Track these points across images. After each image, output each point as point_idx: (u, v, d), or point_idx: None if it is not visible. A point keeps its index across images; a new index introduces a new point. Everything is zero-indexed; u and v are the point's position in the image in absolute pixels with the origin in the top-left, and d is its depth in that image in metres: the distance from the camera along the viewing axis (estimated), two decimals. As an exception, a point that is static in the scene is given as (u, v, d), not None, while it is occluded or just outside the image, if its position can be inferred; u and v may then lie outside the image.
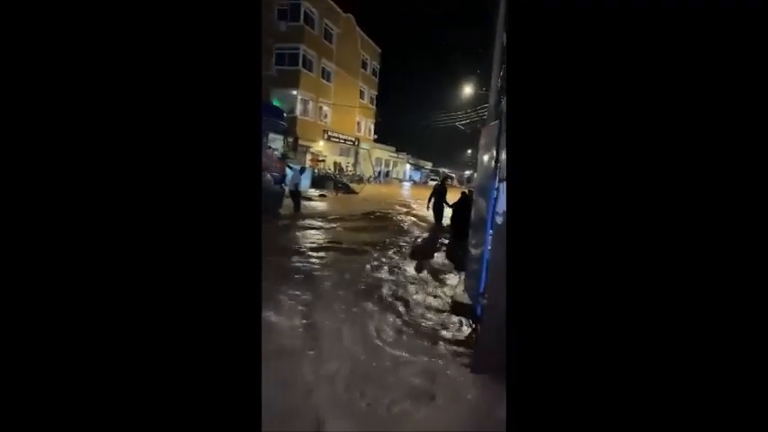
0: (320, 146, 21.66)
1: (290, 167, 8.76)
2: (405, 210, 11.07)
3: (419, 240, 6.62)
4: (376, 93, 28.18)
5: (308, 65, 19.55)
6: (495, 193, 2.30)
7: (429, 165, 40.29)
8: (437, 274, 4.48)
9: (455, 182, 24.11)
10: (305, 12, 18.66)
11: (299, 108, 19.30)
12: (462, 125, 22.93)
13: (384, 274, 4.30)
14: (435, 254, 5.54)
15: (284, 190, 8.28)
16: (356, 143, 25.50)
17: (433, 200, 7.59)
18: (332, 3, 20.70)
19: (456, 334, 2.84)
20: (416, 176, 37.16)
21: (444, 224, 7.35)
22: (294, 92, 19.03)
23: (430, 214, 7.91)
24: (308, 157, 19.38)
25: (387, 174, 31.45)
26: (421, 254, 5.45)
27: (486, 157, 3.01)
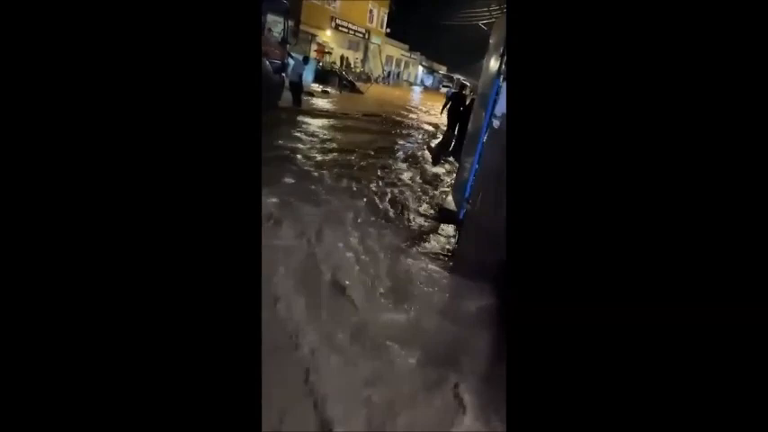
0: (327, 36, 19.80)
1: (292, 56, 8.14)
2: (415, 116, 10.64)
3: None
4: (393, -25, 24.70)
5: (317, -69, 16.75)
6: (496, 93, 2.17)
7: (443, 69, 37.37)
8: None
9: (467, 90, 22.64)
10: None
11: (304, -13, 17.11)
12: (485, 24, 20.66)
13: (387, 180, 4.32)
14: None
15: (284, 80, 7.81)
16: (366, 36, 23.27)
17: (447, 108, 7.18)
18: None
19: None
20: (428, 81, 34.78)
21: None
22: (300, -35, 16.64)
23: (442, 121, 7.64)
24: (313, 47, 17.87)
25: (397, 75, 29.40)
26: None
27: (492, 60, 2.77)
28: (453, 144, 6.24)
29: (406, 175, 4.60)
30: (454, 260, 2.56)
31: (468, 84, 9.35)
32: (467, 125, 3.68)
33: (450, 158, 5.68)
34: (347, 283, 2.10)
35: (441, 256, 2.68)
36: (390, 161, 5.16)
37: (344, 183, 3.82)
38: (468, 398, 1.50)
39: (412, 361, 1.65)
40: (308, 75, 10.99)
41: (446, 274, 2.44)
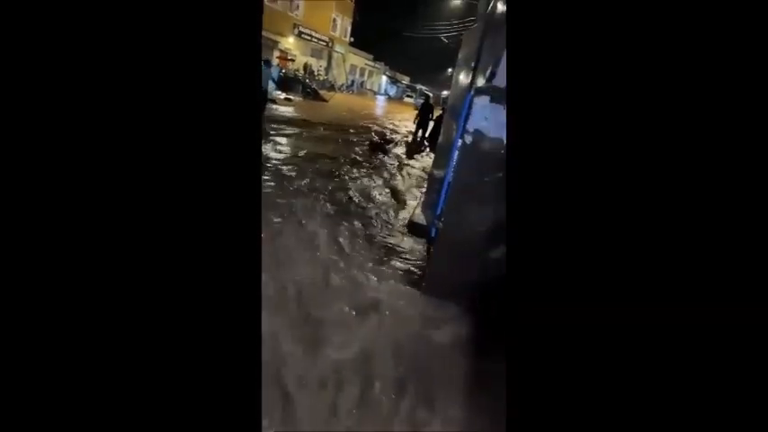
0: (289, 42, 19.49)
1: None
2: (389, 126, 10.60)
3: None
4: (357, -15, 24.85)
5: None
6: (468, 107, 2.11)
7: (406, 79, 37.98)
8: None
9: (431, 100, 23.16)
10: None
11: (266, -8, 16.76)
12: (447, 38, 21.28)
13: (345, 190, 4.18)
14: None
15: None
16: (330, 45, 23.18)
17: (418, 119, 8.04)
18: None
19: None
20: (391, 91, 35.16)
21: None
22: (261, -30, 16.29)
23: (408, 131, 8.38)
24: (275, 53, 17.49)
25: (361, 84, 29.47)
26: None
27: (462, 74, 2.74)
28: (423, 142, 7.17)
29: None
30: (427, 279, 2.46)
31: (431, 94, 9.56)
32: (435, 129, 3.67)
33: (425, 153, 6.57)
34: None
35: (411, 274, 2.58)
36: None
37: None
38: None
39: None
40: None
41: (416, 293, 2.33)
